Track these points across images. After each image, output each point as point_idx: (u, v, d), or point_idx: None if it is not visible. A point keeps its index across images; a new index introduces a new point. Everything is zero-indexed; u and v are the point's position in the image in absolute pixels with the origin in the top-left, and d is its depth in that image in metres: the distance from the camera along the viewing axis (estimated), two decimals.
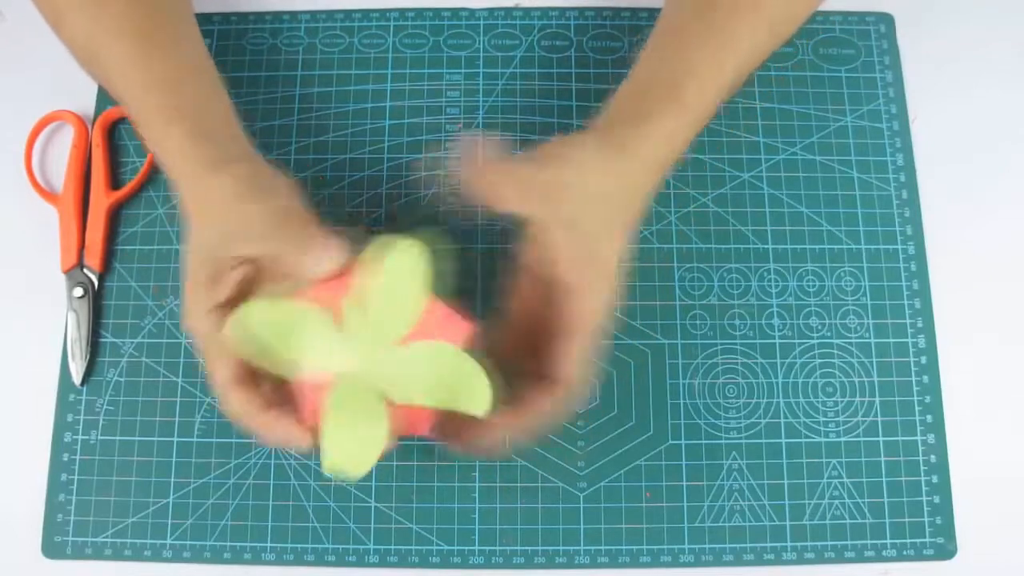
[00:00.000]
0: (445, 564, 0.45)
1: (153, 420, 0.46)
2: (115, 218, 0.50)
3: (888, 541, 0.45)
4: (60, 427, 0.47)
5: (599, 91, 0.51)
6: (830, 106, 0.51)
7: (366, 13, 0.53)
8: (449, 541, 0.45)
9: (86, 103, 0.51)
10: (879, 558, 0.45)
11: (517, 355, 0.38)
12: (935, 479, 0.46)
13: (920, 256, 0.48)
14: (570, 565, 0.45)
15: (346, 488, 0.45)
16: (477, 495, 0.45)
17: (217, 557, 0.45)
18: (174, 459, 0.46)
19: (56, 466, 0.46)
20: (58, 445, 0.46)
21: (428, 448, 0.46)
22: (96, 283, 0.48)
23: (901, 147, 0.50)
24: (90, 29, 0.42)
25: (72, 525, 0.45)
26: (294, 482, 0.45)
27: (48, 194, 0.50)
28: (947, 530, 0.45)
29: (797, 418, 0.46)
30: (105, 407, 0.47)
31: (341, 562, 0.45)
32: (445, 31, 0.53)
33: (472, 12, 0.53)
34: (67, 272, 0.48)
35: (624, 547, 0.45)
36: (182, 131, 0.39)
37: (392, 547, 0.45)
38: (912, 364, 0.47)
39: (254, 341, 0.35)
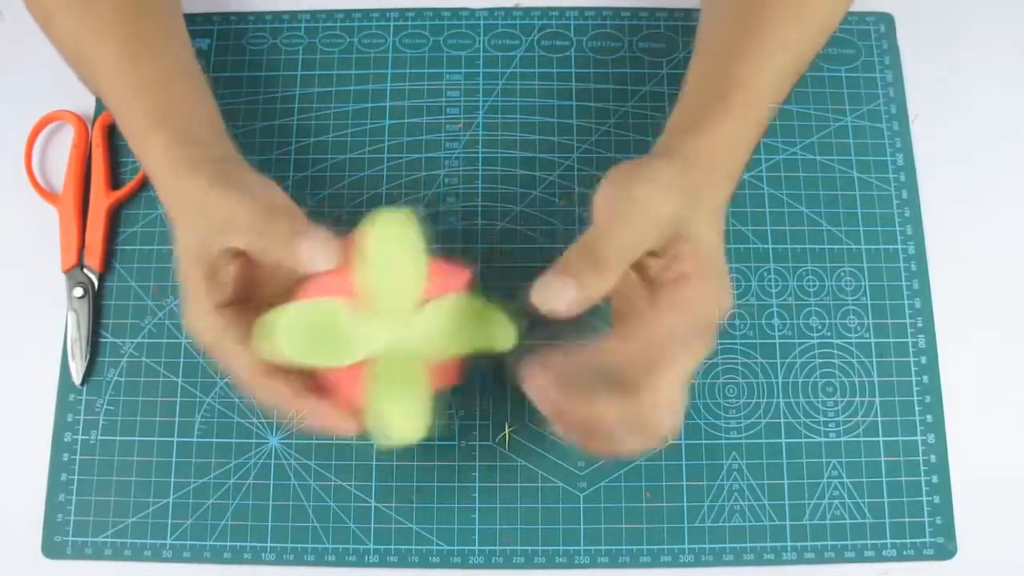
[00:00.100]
0: (445, 564, 0.45)
1: (153, 420, 0.46)
2: (115, 218, 0.50)
3: (888, 541, 0.45)
4: (60, 427, 0.47)
5: (599, 91, 0.51)
6: (830, 106, 0.51)
7: (366, 13, 0.53)
8: (449, 541, 0.45)
9: (86, 103, 0.51)
10: (879, 558, 0.45)
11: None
12: (935, 479, 0.46)
13: (920, 256, 0.49)
14: (570, 565, 0.45)
15: (346, 488, 0.45)
16: (477, 495, 0.45)
17: (217, 557, 0.45)
18: (174, 459, 0.46)
19: (56, 466, 0.46)
20: (58, 445, 0.46)
21: (428, 448, 0.46)
22: (96, 283, 0.48)
23: (901, 147, 0.50)
24: (77, 30, 0.41)
25: (72, 525, 0.45)
26: (294, 482, 0.46)
27: (48, 194, 0.50)
28: (947, 530, 0.45)
29: (797, 418, 0.46)
30: (105, 407, 0.47)
31: (341, 562, 0.45)
32: (445, 31, 0.53)
33: (472, 12, 0.53)
34: (67, 272, 0.48)
35: (624, 547, 0.45)
36: (166, 134, 0.39)
37: (392, 547, 0.45)
38: (912, 364, 0.47)
39: (287, 347, 0.35)
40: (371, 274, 0.35)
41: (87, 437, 0.46)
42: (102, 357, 0.47)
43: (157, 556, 0.45)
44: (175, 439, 0.46)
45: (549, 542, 0.45)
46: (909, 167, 0.50)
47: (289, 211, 0.37)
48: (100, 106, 0.51)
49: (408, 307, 0.36)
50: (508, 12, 0.53)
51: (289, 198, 0.38)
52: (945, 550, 0.45)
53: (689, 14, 0.53)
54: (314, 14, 0.53)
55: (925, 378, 0.47)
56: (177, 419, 0.46)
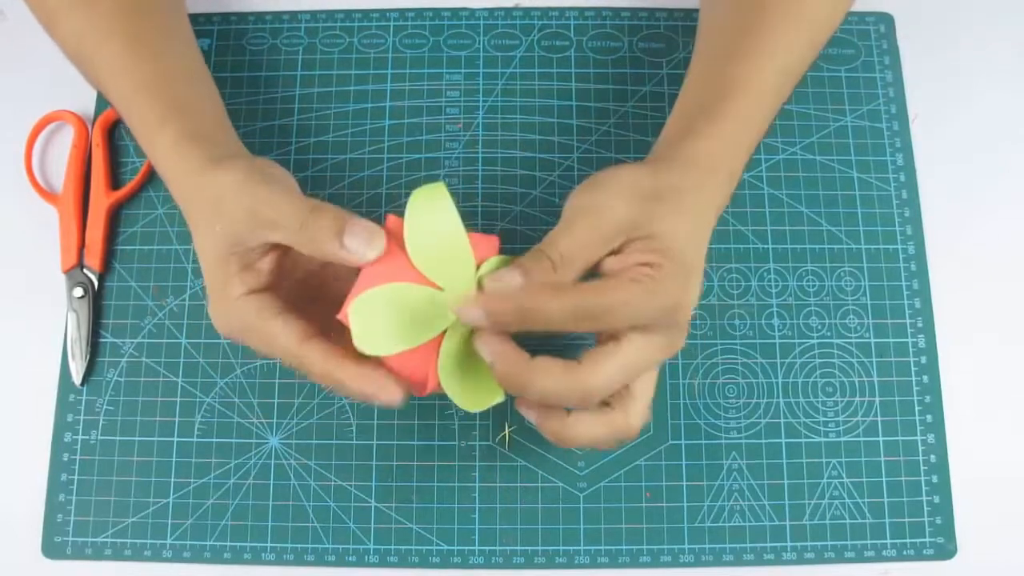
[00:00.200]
0: (445, 564, 0.45)
1: (153, 420, 0.46)
2: (115, 218, 0.50)
3: (888, 541, 0.45)
4: (60, 427, 0.47)
5: (599, 91, 0.51)
6: (830, 106, 0.51)
7: (366, 13, 0.53)
8: (449, 541, 0.45)
9: (86, 103, 0.51)
10: (879, 558, 0.45)
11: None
12: (935, 479, 0.46)
13: (920, 256, 0.49)
14: (570, 565, 0.45)
15: (346, 488, 0.45)
16: (477, 495, 0.45)
17: (217, 557, 0.45)
18: (174, 459, 0.46)
19: (56, 466, 0.46)
20: (58, 445, 0.46)
21: (428, 448, 0.46)
22: (96, 283, 0.48)
23: (901, 147, 0.50)
24: (81, 29, 0.41)
25: (72, 525, 0.45)
26: (294, 482, 0.46)
27: (48, 194, 0.50)
28: (947, 530, 0.45)
29: (797, 418, 0.46)
30: (105, 407, 0.47)
31: (341, 562, 0.45)
32: (445, 31, 0.53)
33: (472, 12, 0.53)
34: (67, 272, 0.48)
35: (624, 547, 0.45)
36: (175, 130, 0.38)
37: (392, 547, 0.45)
38: (912, 364, 0.47)
39: (383, 336, 0.35)
40: (425, 250, 0.36)
41: (87, 437, 0.46)
42: (102, 357, 0.47)
43: (157, 556, 0.45)
44: (175, 439, 0.46)
45: (549, 542, 0.45)
46: (909, 167, 0.50)
47: (327, 206, 0.37)
48: (100, 106, 0.51)
49: (467, 276, 0.36)
50: (508, 12, 0.53)
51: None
52: (945, 550, 0.45)
53: (689, 14, 0.53)
54: (314, 14, 0.53)
55: (925, 378, 0.47)
56: (177, 419, 0.46)
